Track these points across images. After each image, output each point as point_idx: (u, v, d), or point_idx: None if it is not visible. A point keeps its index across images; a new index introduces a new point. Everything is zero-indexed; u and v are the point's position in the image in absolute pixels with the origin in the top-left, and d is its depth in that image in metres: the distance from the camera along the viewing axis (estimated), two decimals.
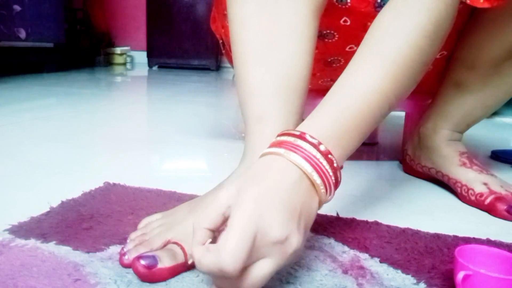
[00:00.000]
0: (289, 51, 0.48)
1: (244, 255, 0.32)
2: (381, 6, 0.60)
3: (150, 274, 0.39)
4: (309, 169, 0.37)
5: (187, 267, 0.42)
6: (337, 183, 0.39)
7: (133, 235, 0.45)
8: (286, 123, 0.47)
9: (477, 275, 0.36)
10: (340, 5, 0.61)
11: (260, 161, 0.39)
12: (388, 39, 0.42)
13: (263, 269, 0.34)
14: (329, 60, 0.71)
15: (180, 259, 0.41)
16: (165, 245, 0.43)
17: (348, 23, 0.63)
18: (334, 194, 0.40)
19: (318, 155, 0.38)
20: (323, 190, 0.38)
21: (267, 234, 0.33)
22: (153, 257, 0.40)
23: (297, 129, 0.40)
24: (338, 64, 0.72)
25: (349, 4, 0.60)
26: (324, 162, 0.38)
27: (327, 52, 0.69)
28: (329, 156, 0.38)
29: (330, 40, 0.67)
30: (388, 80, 0.41)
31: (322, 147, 0.38)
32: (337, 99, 0.42)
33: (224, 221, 0.35)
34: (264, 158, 0.39)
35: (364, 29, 0.63)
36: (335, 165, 0.39)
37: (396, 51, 0.42)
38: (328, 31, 0.65)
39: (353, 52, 0.69)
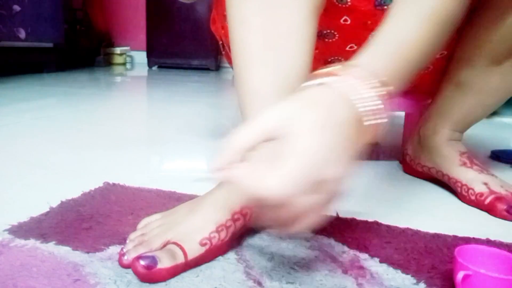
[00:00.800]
0: (289, 52, 0.48)
1: (297, 187, 0.30)
2: (381, 4, 0.60)
3: (149, 274, 0.39)
4: (358, 104, 0.36)
5: (187, 267, 0.42)
6: (388, 114, 0.38)
7: (132, 236, 0.45)
8: None
9: (477, 275, 0.36)
10: (340, 5, 0.61)
11: (315, 89, 0.37)
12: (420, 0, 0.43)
13: (316, 205, 0.33)
14: (330, 59, 0.71)
15: (180, 259, 0.41)
16: (164, 246, 0.43)
17: (349, 22, 0.63)
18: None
19: (370, 90, 0.37)
20: (370, 124, 0.37)
21: (323, 169, 0.32)
22: (153, 257, 0.40)
23: (354, 63, 0.39)
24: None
25: (349, 3, 0.60)
26: (376, 97, 0.37)
27: (327, 51, 0.69)
28: (381, 91, 0.37)
29: (330, 40, 0.67)
30: (422, 32, 0.42)
31: (374, 83, 0.37)
32: (386, 43, 0.42)
33: (264, 141, 0.33)
34: (315, 88, 0.37)
35: (365, 28, 0.63)
36: (387, 100, 0.37)
37: (429, 10, 0.43)
38: (328, 31, 0.65)
39: (353, 52, 0.69)
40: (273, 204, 0.31)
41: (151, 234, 0.45)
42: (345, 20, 0.63)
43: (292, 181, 0.31)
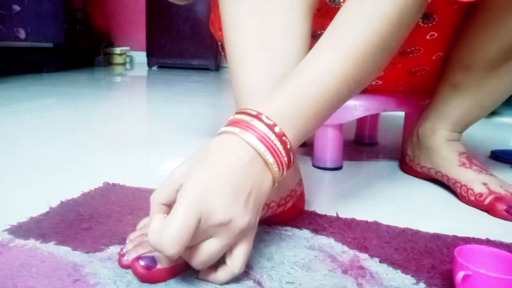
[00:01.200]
0: (282, 51, 0.48)
1: (183, 241, 0.34)
2: None
3: (149, 274, 0.39)
4: (262, 148, 0.38)
5: (187, 267, 0.42)
6: (289, 164, 0.41)
7: (132, 236, 0.45)
8: None
9: (477, 275, 0.36)
10: (333, 5, 0.61)
11: (215, 140, 0.40)
12: (351, 25, 0.42)
13: (209, 247, 0.37)
14: None
15: (180, 259, 0.41)
16: None
17: None
18: (285, 173, 0.42)
19: (273, 137, 0.39)
20: (276, 169, 0.40)
21: (210, 217, 0.35)
22: (152, 257, 0.40)
23: (253, 108, 0.41)
24: None
25: (342, 4, 0.60)
26: (278, 144, 0.39)
27: None
28: (283, 138, 0.39)
29: None
30: (347, 65, 0.42)
31: (276, 129, 0.39)
32: (295, 81, 0.42)
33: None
34: (219, 137, 0.40)
35: None
36: (288, 146, 0.40)
37: (358, 36, 0.42)
38: (322, 32, 0.65)
39: None
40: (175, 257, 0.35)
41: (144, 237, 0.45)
42: None
43: (180, 235, 0.34)
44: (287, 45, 0.48)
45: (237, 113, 0.41)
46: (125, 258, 0.42)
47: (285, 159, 0.40)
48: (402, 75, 0.73)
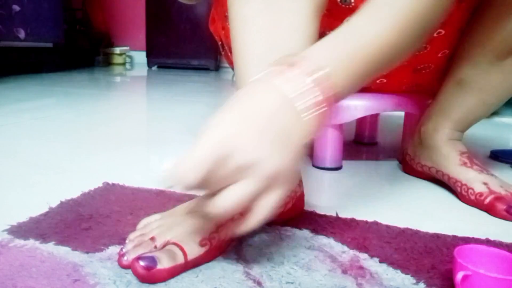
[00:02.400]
0: (290, 51, 0.48)
1: (202, 170, 0.33)
2: None
3: (149, 275, 0.39)
4: (291, 94, 0.37)
5: (187, 267, 0.42)
6: (330, 107, 0.38)
7: (132, 236, 0.45)
8: None
9: (476, 275, 0.36)
10: (344, 5, 0.61)
11: (246, 86, 0.39)
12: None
13: (234, 191, 0.34)
14: None
15: (180, 259, 0.41)
16: (164, 246, 0.43)
17: None
18: (330, 117, 0.39)
19: (308, 81, 0.37)
20: (307, 117, 0.37)
21: (235, 157, 0.34)
22: (152, 258, 0.40)
23: (296, 54, 0.39)
24: None
25: (353, 4, 0.60)
26: (315, 89, 0.37)
27: None
28: (322, 83, 0.37)
29: None
30: (395, 31, 0.41)
31: (315, 75, 0.37)
32: (341, 34, 0.41)
33: None
34: (251, 83, 0.39)
35: None
36: (328, 93, 0.37)
37: (402, 3, 0.41)
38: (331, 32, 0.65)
39: None
40: (196, 189, 0.34)
41: (151, 235, 0.45)
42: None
43: (200, 161, 0.33)
44: (295, 46, 0.48)
45: (278, 60, 0.40)
46: (125, 258, 0.42)
47: (322, 104, 0.37)
48: (407, 73, 0.73)
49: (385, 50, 0.42)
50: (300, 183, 0.56)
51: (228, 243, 0.46)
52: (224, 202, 0.35)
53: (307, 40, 0.48)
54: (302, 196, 0.56)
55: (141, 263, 0.39)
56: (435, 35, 0.66)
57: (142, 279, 0.39)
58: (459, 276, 0.37)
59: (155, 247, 0.43)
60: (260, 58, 0.49)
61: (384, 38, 0.41)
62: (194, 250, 0.42)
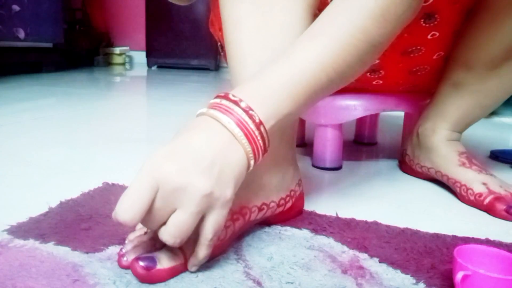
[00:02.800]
0: (283, 50, 0.48)
1: (137, 208, 0.35)
2: None
3: (149, 275, 0.39)
4: (225, 120, 0.39)
5: (186, 267, 0.42)
6: (263, 138, 0.41)
7: (131, 236, 0.45)
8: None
9: (476, 275, 0.36)
10: None
11: (185, 124, 0.41)
12: (332, 19, 0.43)
13: (175, 218, 0.36)
14: None
15: (179, 260, 0.41)
16: (164, 246, 0.43)
17: None
18: (263, 150, 0.41)
19: (239, 110, 0.39)
20: (244, 141, 0.39)
21: (166, 183, 0.35)
22: (152, 258, 0.40)
23: (227, 92, 0.42)
24: None
25: None
26: (244, 115, 0.39)
27: None
28: (250, 111, 0.40)
29: None
30: (325, 54, 0.42)
31: (242, 104, 0.40)
32: (271, 66, 0.43)
33: None
34: (190, 121, 0.41)
35: None
36: (256, 120, 0.40)
37: (338, 28, 0.42)
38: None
39: None
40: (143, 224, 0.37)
41: (150, 235, 0.45)
42: None
43: (133, 203, 0.35)
44: (288, 45, 0.48)
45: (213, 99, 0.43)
46: (125, 258, 0.42)
47: (255, 132, 0.40)
48: (403, 75, 0.73)
49: (316, 72, 0.42)
50: (299, 183, 0.56)
51: (227, 243, 0.46)
52: (169, 232, 0.37)
53: None
54: (301, 195, 0.57)
55: (141, 263, 0.39)
56: (429, 37, 0.66)
57: (142, 279, 0.39)
58: (459, 276, 0.37)
59: (155, 247, 0.43)
60: (253, 57, 0.49)
61: (314, 61, 0.42)
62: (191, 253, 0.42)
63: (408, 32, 0.64)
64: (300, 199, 0.56)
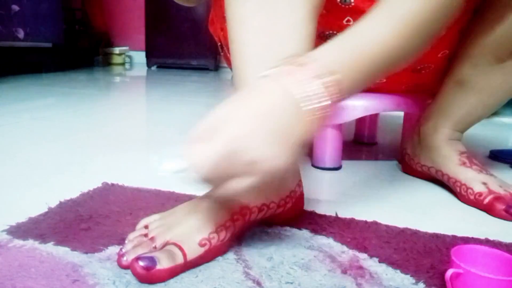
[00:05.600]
0: (288, 51, 0.48)
1: (215, 164, 0.36)
2: None
3: (148, 275, 0.39)
4: (299, 95, 0.38)
5: (186, 267, 0.42)
6: (333, 110, 0.40)
7: (131, 236, 0.45)
8: None
9: (468, 274, 0.36)
10: (343, 5, 0.61)
11: (255, 83, 0.41)
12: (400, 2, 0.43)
13: (238, 183, 0.38)
14: None
15: (179, 260, 0.41)
16: (163, 246, 0.43)
17: (351, 23, 0.63)
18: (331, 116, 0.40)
19: (317, 84, 0.38)
20: (311, 118, 0.38)
21: (242, 154, 0.36)
22: (152, 258, 0.40)
23: (306, 55, 0.41)
24: None
25: (353, 4, 0.60)
26: (320, 90, 0.38)
27: None
28: (331, 88, 0.38)
29: None
30: (399, 35, 0.42)
31: (325, 79, 0.38)
32: (348, 38, 0.42)
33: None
34: (260, 79, 0.40)
35: None
36: (336, 98, 0.39)
37: (407, 8, 0.42)
38: (331, 32, 0.65)
39: None
40: (203, 181, 0.38)
41: (150, 235, 0.45)
42: (348, 21, 0.63)
43: (212, 158, 0.36)
44: (292, 45, 0.48)
45: (287, 58, 0.41)
46: (125, 258, 0.42)
47: (327, 103, 0.38)
48: (406, 73, 0.73)
49: (390, 55, 0.42)
50: (299, 183, 0.56)
51: (227, 243, 0.46)
52: (228, 191, 0.38)
53: (304, 39, 0.48)
54: (301, 196, 0.56)
55: (141, 263, 0.39)
56: None
57: (142, 279, 0.39)
58: (448, 273, 0.37)
59: (155, 247, 0.43)
60: (258, 57, 0.49)
61: (389, 42, 0.42)
62: (193, 250, 0.42)
63: None
64: (300, 199, 0.56)
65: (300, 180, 0.56)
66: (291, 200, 0.53)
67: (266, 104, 0.38)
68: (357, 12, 0.61)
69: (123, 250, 0.43)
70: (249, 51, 0.49)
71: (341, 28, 0.64)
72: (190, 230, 0.44)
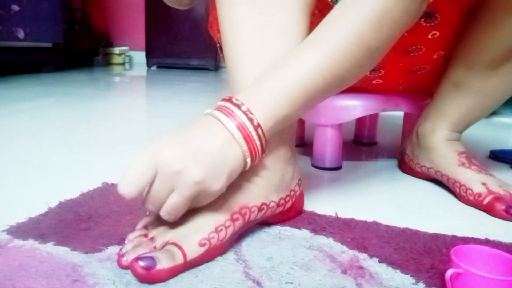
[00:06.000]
0: (280, 51, 0.49)
1: (136, 183, 0.39)
2: None
3: (148, 275, 0.39)
4: (226, 121, 0.42)
5: (186, 267, 0.42)
6: (260, 139, 0.44)
7: (131, 236, 0.45)
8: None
9: (468, 274, 0.36)
10: (335, 5, 0.61)
11: (191, 122, 0.46)
12: (329, 25, 0.45)
13: (171, 199, 0.41)
14: None
15: (179, 260, 0.41)
16: (163, 246, 0.43)
17: None
18: (261, 150, 0.45)
19: (239, 113, 0.43)
20: (241, 140, 0.42)
21: (166, 166, 0.40)
22: (152, 258, 0.40)
23: (231, 96, 0.45)
24: None
25: None
26: (243, 117, 0.42)
27: None
28: (250, 114, 0.43)
29: None
30: (323, 60, 0.44)
31: (243, 107, 0.43)
32: (271, 72, 0.45)
33: None
34: (196, 119, 0.46)
35: None
36: (255, 122, 0.43)
37: (334, 34, 0.44)
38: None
39: None
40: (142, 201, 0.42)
41: (150, 235, 0.45)
42: None
43: (134, 178, 0.39)
44: (285, 45, 0.48)
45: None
46: (125, 258, 0.42)
47: (252, 133, 0.43)
48: (403, 74, 0.73)
49: (313, 76, 0.44)
50: (299, 183, 0.56)
51: (227, 243, 0.46)
52: (166, 210, 0.41)
53: (297, 38, 0.49)
54: (301, 195, 0.57)
55: (141, 263, 0.39)
56: (430, 36, 0.66)
57: (142, 279, 0.39)
58: (448, 273, 0.37)
59: (155, 247, 0.43)
60: (251, 58, 0.49)
61: (311, 66, 0.44)
62: (193, 250, 0.42)
63: (409, 32, 0.64)
64: (300, 199, 0.56)
65: (300, 180, 0.56)
66: (291, 199, 0.53)
67: (192, 128, 0.43)
68: None
69: (123, 250, 0.43)
70: (242, 52, 0.50)
71: None
72: (190, 230, 0.44)
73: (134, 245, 0.43)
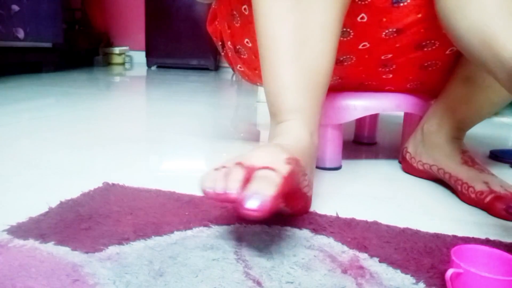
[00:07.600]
0: (319, 49, 0.51)
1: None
2: (397, 2, 0.61)
3: (263, 212, 0.37)
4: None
5: (287, 185, 0.41)
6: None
7: (215, 167, 0.43)
8: (314, 114, 0.54)
9: (468, 274, 0.36)
10: (359, 2, 0.61)
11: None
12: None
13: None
14: (341, 58, 0.72)
15: (278, 180, 0.40)
16: (250, 174, 0.41)
17: (365, 20, 0.64)
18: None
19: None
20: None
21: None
22: (258, 194, 0.38)
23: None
24: (349, 62, 0.72)
25: (368, 0, 0.61)
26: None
27: (340, 50, 0.69)
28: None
29: (345, 39, 0.67)
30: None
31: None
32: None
33: None
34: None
35: (379, 25, 0.64)
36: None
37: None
38: (344, 29, 0.65)
39: (366, 50, 0.70)
40: None
41: (236, 161, 0.43)
42: (362, 18, 0.63)
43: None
44: (324, 44, 0.51)
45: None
46: (213, 186, 0.40)
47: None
48: (413, 69, 0.74)
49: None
50: (310, 185, 0.56)
51: (301, 173, 0.48)
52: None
53: (334, 38, 0.51)
54: (310, 198, 0.57)
55: (251, 204, 0.37)
56: (444, 31, 0.66)
57: (256, 217, 0.37)
58: (448, 273, 0.37)
59: (246, 171, 0.41)
60: (292, 54, 0.51)
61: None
62: (284, 168, 0.41)
63: (425, 27, 0.64)
64: (310, 199, 0.57)
65: (311, 182, 0.57)
66: (310, 190, 0.55)
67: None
68: (371, 9, 0.61)
69: (210, 179, 0.41)
70: (283, 47, 0.52)
71: (354, 25, 0.64)
72: (273, 151, 0.44)
73: (225, 172, 0.41)
